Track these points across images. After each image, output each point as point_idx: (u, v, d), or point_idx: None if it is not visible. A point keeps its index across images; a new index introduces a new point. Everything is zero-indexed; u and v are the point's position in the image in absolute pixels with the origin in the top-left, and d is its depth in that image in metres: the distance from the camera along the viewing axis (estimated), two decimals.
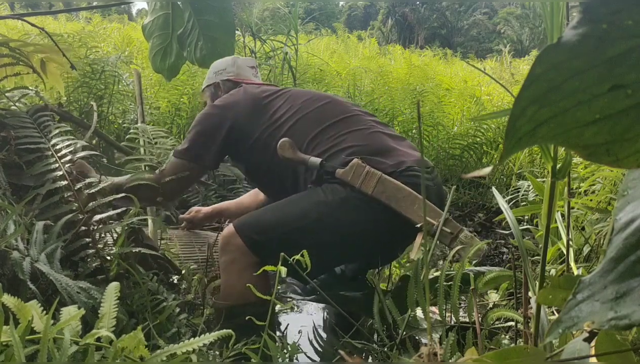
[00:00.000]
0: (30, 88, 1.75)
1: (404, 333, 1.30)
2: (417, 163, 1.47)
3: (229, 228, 1.44)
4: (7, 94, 1.65)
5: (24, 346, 0.68)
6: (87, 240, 1.25)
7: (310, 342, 1.64)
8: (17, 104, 1.66)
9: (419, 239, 1.33)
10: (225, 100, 1.66)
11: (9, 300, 0.75)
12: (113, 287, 0.87)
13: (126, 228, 1.26)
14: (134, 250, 1.25)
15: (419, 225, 1.33)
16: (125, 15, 15.14)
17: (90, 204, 1.29)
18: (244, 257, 1.40)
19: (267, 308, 1.28)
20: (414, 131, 3.76)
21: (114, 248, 1.29)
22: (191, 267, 1.59)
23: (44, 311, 0.77)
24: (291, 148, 1.48)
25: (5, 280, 0.99)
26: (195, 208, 1.99)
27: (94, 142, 2.23)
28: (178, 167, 1.60)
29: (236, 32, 2.95)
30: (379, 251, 1.56)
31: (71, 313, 0.77)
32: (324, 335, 1.66)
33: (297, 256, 1.05)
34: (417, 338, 1.35)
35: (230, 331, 0.86)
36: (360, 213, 1.40)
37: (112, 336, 0.75)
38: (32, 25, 1.77)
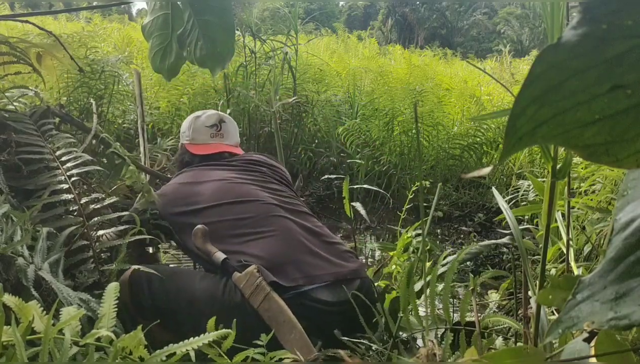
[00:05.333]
0: (29, 88, 1.75)
1: (402, 333, 1.30)
2: (331, 280, 1.38)
3: (126, 274, 1.40)
4: (6, 94, 1.65)
5: (25, 346, 0.68)
6: (89, 254, 1.26)
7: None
8: (16, 104, 1.66)
9: None
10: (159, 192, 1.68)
11: (10, 299, 0.75)
12: (113, 288, 0.87)
13: (127, 243, 1.28)
14: (133, 267, 1.28)
15: (285, 358, 1.19)
16: (125, 15, 15.13)
17: (95, 219, 1.30)
18: (127, 306, 1.38)
19: None
20: (413, 131, 3.76)
21: (112, 258, 1.31)
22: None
23: (44, 313, 0.77)
24: (203, 237, 1.45)
25: (9, 285, 1.00)
26: None
27: (94, 142, 2.23)
28: None
29: (236, 32, 2.95)
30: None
31: (71, 313, 0.77)
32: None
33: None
34: (415, 338, 1.35)
35: (229, 330, 0.86)
36: (246, 325, 1.26)
37: (112, 336, 0.75)
38: (40, 28, 1.77)
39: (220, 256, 1.40)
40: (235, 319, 1.01)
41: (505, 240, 1.48)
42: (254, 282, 1.31)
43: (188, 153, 1.82)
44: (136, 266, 1.32)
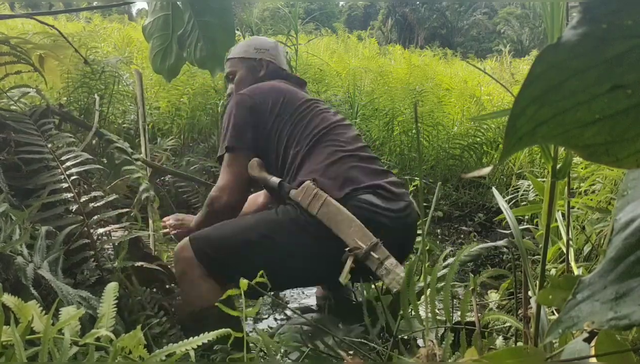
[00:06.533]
0: (31, 87, 1.75)
1: (403, 334, 1.30)
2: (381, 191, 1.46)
3: (185, 240, 1.47)
4: (7, 94, 1.65)
5: (24, 346, 0.68)
6: (90, 252, 1.27)
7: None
8: (17, 104, 1.66)
9: (348, 262, 1.34)
10: (256, 88, 1.70)
11: (9, 299, 0.75)
12: (112, 287, 0.87)
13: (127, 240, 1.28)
14: (135, 265, 1.27)
15: (348, 249, 1.34)
16: (125, 15, 15.13)
17: (95, 217, 1.30)
18: (194, 269, 1.43)
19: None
20: (413, 131, 3.76)
21: (112, 258, 1.31)
22: None
23: (44, 312, 0.77)
24: (258, 167, 1.57)
25: (8, 285, 0.99)
26: (181, 216, 1.83)
27: (93, 142, 2.23)
28: (230, 166, 1.61)
29: (236, 32, 2.95)
30: (326, 274, 1.53)
31: (70, 313, 0.77)
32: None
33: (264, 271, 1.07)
34: (415, 338, 1.35)
35: (229, 330, 0.86)
36: (306, 235, 1.43)
37: (112, 335, 0.75)
38: (44, 23, 1.78)
39: (275, 180, 1.53)
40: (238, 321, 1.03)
41: (502, 242, 1.49)
42: (311, 193, 1.42)
43: (278, 68, 1.85)
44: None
